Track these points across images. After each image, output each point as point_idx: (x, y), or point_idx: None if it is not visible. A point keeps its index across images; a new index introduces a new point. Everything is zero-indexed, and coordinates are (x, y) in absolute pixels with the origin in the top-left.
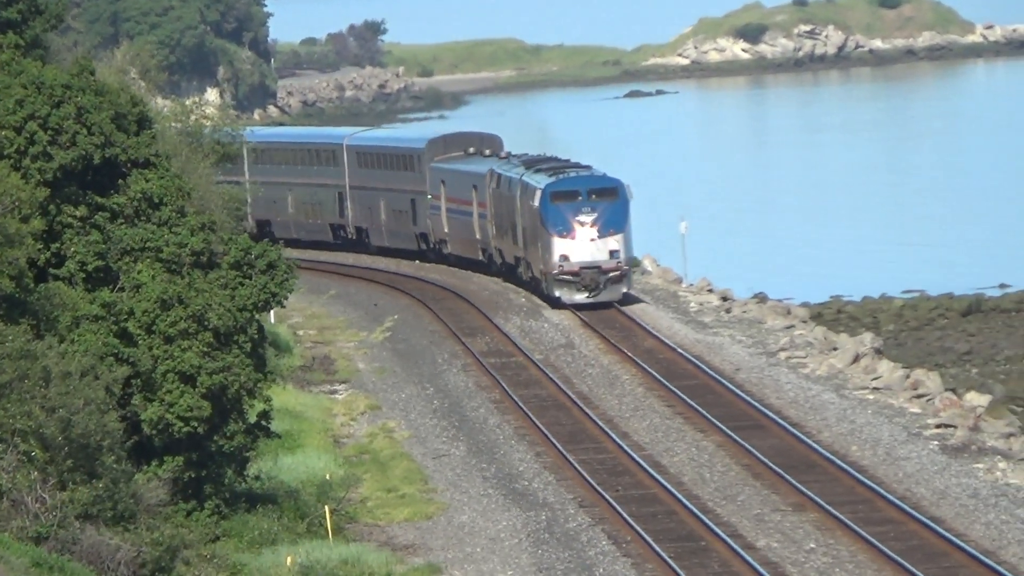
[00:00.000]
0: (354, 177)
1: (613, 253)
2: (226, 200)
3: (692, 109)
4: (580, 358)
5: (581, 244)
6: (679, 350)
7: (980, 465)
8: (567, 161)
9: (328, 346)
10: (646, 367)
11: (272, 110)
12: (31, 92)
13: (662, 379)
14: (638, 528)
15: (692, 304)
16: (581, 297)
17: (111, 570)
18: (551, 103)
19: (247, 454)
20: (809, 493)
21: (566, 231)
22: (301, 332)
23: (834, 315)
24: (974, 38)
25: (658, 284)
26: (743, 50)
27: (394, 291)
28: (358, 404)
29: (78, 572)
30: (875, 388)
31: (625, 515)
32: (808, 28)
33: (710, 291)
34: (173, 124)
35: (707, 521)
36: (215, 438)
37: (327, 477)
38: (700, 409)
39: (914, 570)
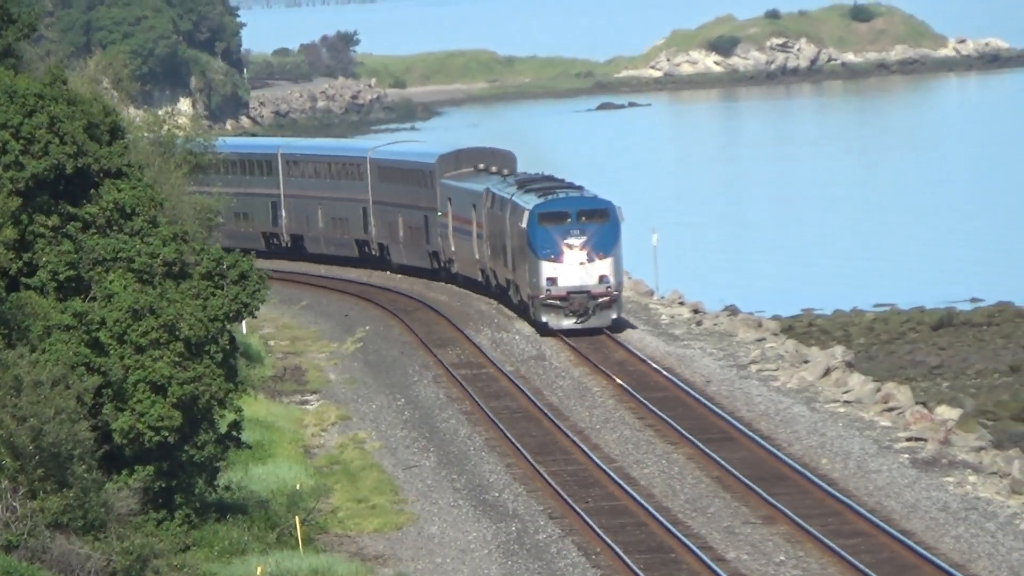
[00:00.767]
0: (376, 192)
1: (603, 278)
2: (198, 210)
3: (664, 122)
4: (551, 370)
5: (569, 268)
6: (650, 362)
7: (950, 479)
8: (560, 181)
9: (299, 357)
10: (617, 379)
11: (244, 120)
12: (3, 101)
13: (633, 391)
14: (608, 540)
15: (663, 316)
16: (569, 323)
17: None
18: (524, 115)
19: (218, 464)
20: (779, 506)
21: (554, 254)
22: (272, 343)
23: (805, 328)
24: (946, 52)
25: (629, 296)
26: (715, 63)
27: (365, 302)
28: (329, 415)
29: None
30: (846, 401)
31: (595, 527)
32: (781, 41)
33: (681, 303)
34: (146, 134)
35: (677, 533)
36: (186, 448)
37: (297, 487)
38: (671, 421)
39: None
